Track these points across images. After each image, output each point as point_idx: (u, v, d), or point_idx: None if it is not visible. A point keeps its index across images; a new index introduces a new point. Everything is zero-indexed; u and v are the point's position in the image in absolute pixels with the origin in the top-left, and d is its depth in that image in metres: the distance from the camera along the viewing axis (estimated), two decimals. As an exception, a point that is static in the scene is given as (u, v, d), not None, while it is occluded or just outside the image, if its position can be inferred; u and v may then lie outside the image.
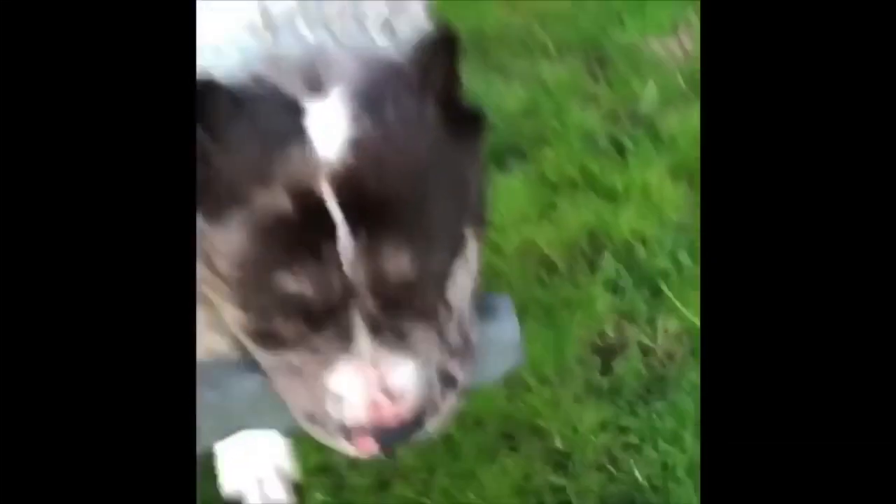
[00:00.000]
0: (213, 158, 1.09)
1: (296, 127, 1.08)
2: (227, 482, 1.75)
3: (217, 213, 1.09)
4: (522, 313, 1.58)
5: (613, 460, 1.78)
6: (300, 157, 1.07)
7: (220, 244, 1.11)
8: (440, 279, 1.14)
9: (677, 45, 2.65)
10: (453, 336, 1.17)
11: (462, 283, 1.18)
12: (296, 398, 1.18)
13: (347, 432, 1.16)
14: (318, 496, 1.72)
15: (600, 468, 1.77)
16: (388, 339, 1.12)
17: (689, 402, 1.82)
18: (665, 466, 1.76)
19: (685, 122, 2.35)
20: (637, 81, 2.50)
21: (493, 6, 2.79)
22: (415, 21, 1.25)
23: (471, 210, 1.17)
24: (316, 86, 1.10)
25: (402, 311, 1.12)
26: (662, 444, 1.78)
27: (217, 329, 1.22)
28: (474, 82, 2.15)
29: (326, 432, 1.18)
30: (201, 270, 1.14)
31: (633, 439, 1.80)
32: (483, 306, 1.24)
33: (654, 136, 2.35)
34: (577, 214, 2.16)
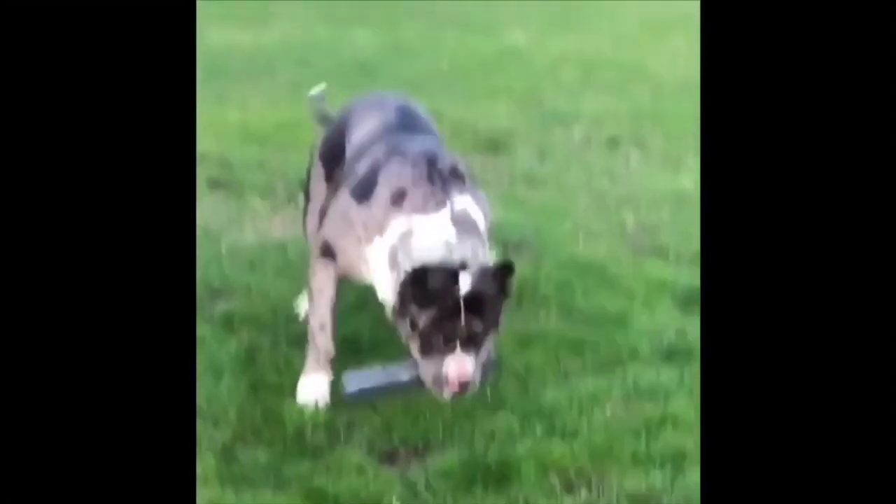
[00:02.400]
0: (426, 288, 3.41)
1: (454, 281, 3.38)
2: None
3: (425, 306, 3.37)
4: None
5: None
6: (454, 292, 3.39)
7: (421, 318, 3.40)
8: (485, 337, 3.43)
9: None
10: (484, 357, 3.48)
11: (489, 343, 3.49)
12: (427, 369, 3.45)
13: (443, 385, 3.46)
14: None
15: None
16: (466, 350, 3.40)
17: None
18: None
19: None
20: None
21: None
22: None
23: (496, 322, 3.50)
24: (464, 268, 3.44)
25: (473, 343, 3.41)
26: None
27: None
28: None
29: (435, 385, 3.47)
30: (405, 329, 3.45)
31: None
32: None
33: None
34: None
